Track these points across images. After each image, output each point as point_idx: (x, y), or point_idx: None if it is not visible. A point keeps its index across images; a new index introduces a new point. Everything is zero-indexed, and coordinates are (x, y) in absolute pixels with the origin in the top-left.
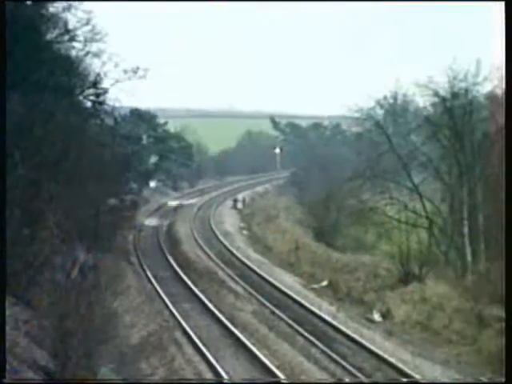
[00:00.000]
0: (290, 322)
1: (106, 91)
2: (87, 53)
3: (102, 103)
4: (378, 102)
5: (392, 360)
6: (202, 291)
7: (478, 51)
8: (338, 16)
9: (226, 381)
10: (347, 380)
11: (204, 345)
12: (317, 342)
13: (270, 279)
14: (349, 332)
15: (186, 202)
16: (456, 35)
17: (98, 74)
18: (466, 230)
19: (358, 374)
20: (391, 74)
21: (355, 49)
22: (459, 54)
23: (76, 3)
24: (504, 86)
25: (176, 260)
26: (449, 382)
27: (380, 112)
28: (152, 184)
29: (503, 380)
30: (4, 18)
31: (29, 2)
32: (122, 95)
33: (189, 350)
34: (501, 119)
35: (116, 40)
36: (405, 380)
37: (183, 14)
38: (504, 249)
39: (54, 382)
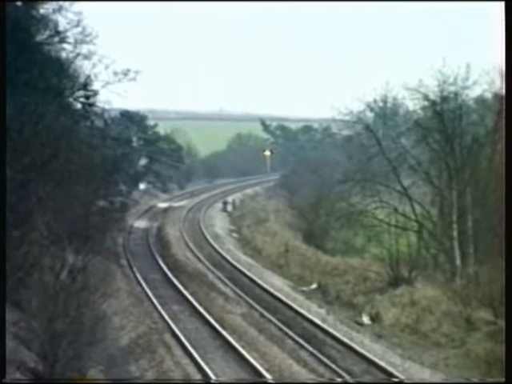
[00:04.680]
0: (280, 324)
1: (96, 93)
2: (77, 54)
3: (92, 105)
4: (368, 105)
5: (381, 363)
6: (192, 294)
7: (468, 54)
8: (328, 19)
9: (213, 381)
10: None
11: (193, 347)
12: (306, 345)
13: (260, 282)
14: (338, 335)
15: (175, 204)
16: (447, 38)
17: (88, 76)
18: (455, 233)
19: (348, 377)
20: (382, 76)
21: (346, 51)
22: (449, 56)
23: (67, 5)
24: (504, 86)
25: (166, 262)
26: (441, 382)
27: (370, 115)
28: (142, 186)
29: (503, 380)
30: (4, 17)
31: (19, 3)
32: (112, 97)
33: (178, 352)
34: (490, 123)
35: (107, 41)
36: (393, 380)
37: (174, 16)
38: (504, 248)
39: (54, 382)
